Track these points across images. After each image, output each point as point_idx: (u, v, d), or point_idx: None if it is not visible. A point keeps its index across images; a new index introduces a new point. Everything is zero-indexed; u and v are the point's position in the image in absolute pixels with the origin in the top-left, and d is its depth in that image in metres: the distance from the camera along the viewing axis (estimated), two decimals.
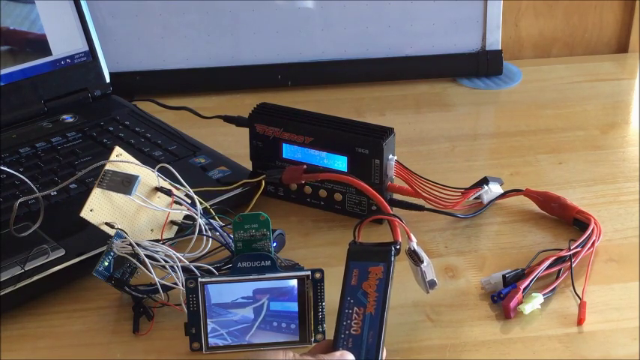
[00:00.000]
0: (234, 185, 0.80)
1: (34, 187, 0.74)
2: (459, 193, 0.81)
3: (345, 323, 0.58)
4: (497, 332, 0.68)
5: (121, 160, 0.72)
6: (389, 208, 0.70)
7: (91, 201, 0.71)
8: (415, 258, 0.67)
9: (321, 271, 0.64)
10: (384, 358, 0.56)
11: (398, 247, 0.62)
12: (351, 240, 0.63)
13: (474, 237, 0.79)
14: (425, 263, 0.67)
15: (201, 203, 0.74)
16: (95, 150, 0.88)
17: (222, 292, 0.64)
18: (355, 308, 0.58)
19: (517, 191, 0.83)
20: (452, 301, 0.72)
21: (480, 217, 0.81)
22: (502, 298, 0.70)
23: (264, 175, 0.80)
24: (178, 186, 0.74)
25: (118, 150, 0.73)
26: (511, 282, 0.71)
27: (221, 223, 0.73)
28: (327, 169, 0.80)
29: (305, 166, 0.79)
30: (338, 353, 0.55)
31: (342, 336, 0.58)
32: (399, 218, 0.66)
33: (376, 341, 0.56)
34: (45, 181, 0.82)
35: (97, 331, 0.69)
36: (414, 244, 0.67)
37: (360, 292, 0.59)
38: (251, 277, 0.64)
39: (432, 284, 0.67)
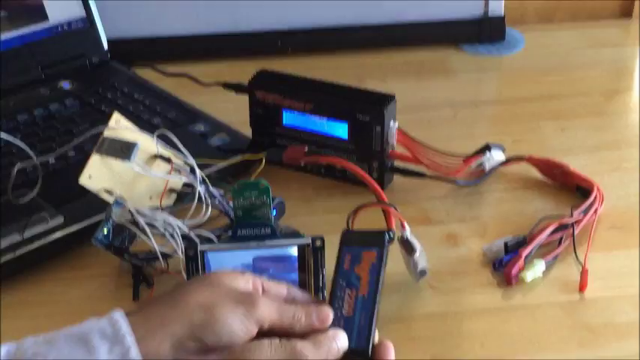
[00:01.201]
0: (234, 160, 0.80)
1: (32, 154, 0.73)
2: (461, 160, 0.80)
3: (336, 305, 0.57)
4: (498, 300, 0.68)
5: (119, 127, 0.72)
6: (384, 196, 0.69)
7: (90, 167, 0.70)
8: (408, 247, 0.66)
9: (322, 239, 0.64)
10: (376, 340, 0.55)
11: (392, 234, 0.61)
12: (344, 228, 0.63)
13: (475, 204, 0.79)
14: (417, 253, 0.66)
15: (201, 170, 0.73)
16: (93, 117, 0.87)
17: (222, 259, 0.64)
18: (347, 290, 0.58)
19: (519, 158, 0.82)
20: (453, 268, 0.71)
21: (481, 184, 0.81)
22: (503, 265, 0.70)
23: (264, 153, 0.79)
24: (177, 153, 0.73)
25: (116, 116, 0.72)
26: (513, 249, 0.71)
27: (221, 190, 0.73)
28: (328, 154, 0.80)
29: (306, 148, 0.79)
30: (331, 332, 0.55)
31: (334, 317, 0.57)
32: (394, 207, 0.65)
33: (368, 322, 0.55)
34: (43, 148, 0.82)
35: (97, 298, 0.69)
36: (408, 233, 0.66)
37: (353, 275, 0.59)
38: (251, 244, 0.64)
39: (422, 274, 0.67)
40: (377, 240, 0.61)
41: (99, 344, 0.49)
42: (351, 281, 0.59)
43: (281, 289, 0.57)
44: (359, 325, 0.56)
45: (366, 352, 0.55)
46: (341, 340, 0.54)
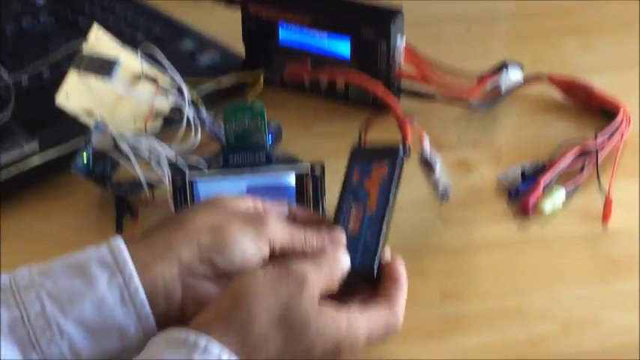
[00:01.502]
0: (227, 80, 0.79)
1: (3, 73, 0.72)
2: (475, 81, 0.79)
3: (342, 221, 0.57)
4: (514, 232, 0.68)
5: (100, 42, 0.71)
6: (400, 109, 0.67)
7: (67, 85, 0.69)
8: (426, 164, 0.65)
9: (322, 166, 0.63)
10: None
11: (407, 148, 0.60)
12: (354, 143, 0.62)
13: (489, 128, 0.78)
14: (437, 172, 0.65)
15: (189, 92, 0.72)
16: (69, 33, 0.85)
17: (213, 189, 0.63)
18: (354, 207, 0.57)
19: (539, 78, 0.81)
20: (465, 198, 0.71)
21: (497, 106, 0.80)
22: (520, 194, 0.70)
23: (262, 71, 0.78)
24: (164, 73, 0.72)
25: (96, 30, 0.71)
26: (530, 176, 0.70)
27: (211, 114, 0.72)
28: (333, 68, 0.78)
29: (309, 63, 0.78)
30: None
31: None
32: (411, 118, 0.64)
33: (375, 241, 0.54)
34: (15, 66, 0.79)
35: (78, 230, 0.69)
36: (427, 149, 0.65)
37: (362, 191, 0.58)
38: (244, 172, 0.63)
39: (444, 195, 0.66)
40: (390, 154, 0.59)
41: (98, 273, 0.49)
42: (358, 196, 0.58)
43: (282, 208, 0.58)
44: (365, 243, 0.55)
45: (370, 270, 0.54)
46: (343, 260, 0.53)
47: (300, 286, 0.49)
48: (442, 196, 0.66)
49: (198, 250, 0.51)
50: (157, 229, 0.53)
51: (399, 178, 0.59)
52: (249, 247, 0.52)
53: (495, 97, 0.80)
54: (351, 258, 0.54)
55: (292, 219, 0.57)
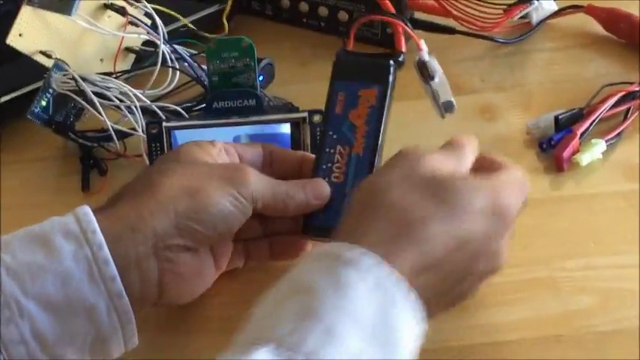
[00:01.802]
0: (209, 10, 0.79)
1: None
2: (501, 11, 0.78)
3: (324, 167, 0.56)
4: (546, 188, 0.68)
5: None
6: (391, 6, 0.66)
7: (20, 23, 0.69)
8: (424, 71, 0.63)
9: (321, 113, 0.62)
10: None
11: (401, 59, 0.58)
12: (339, 48, 0.60)
13: (518, 67, 0.78)
14: (437, 80, 0.63)
15: (165, 24, 0.72)
16: None
17: (194, 139, 0.62)
18: (339, 147, 0.56)
19: (576, 7, 0.80)
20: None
21: (527, 41, 0.80)
22: (553, 145, 0.70)
23: None
24: (134, 1, 0.72)
25: None
26: (565, 125, 0.70)
27: (191, 50, 0.72)
28: None
29: None
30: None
31: None
32: (404, 22, 0.63)
33: None
34: None
35: (38, 188, 0.69)
36: (424, 54, 0.63)
37: (347, 124, 0.57)
38: (231, 120, 0.63)
39: (448, 106, 0.63)
40: (380, 70, 0.57)
41: (62, 244, 0.49)
42: (342, 133, 0.57)
43: (257, 150, 0.59)
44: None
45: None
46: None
47: (418, 153, 0.51)
48: (445, 107, 0.63)
49: (174, 219, 0.51)
50: (126, 195, 0.52)
51: (389, 102, 0.57)
52: (230, 210, 0.52)
53: (525, 30, 0.80)
54: (335, 210, 0.55)
55: (269, 162, 0.58)
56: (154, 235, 0.51)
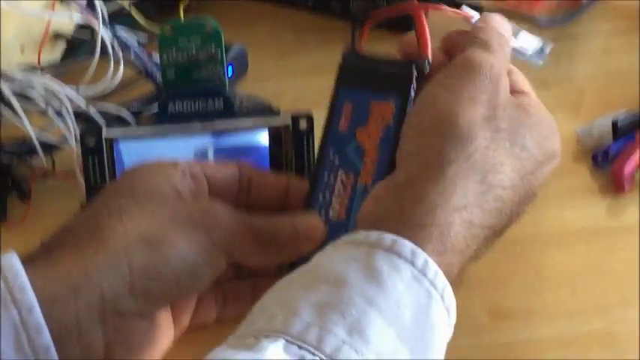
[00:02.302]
0: None
1: None
2: None
3: (321, 198, 0.56)
4: (602, 215, 0.68)
5: None
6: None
7: None
8: None
9: (309, 117, 0.63)
10: None
11: (426, 65, 0.58)
12: (347, 47, 0.60)
13: (565, 57, 0.78)
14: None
15: (105, 1, 0.72)
16: None
17: (143, 153, 0.63)
18: (341, 173, 0.56)
19: None
20: None
21: (576, 23, 0.81)
22: (611, 158, 0.70)
23: None
24: None
25: None
26: (626, 132, 0.71)
27: (140, 37, 0.73)
28: None
29: None
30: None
31: None
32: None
33: None
34: None
35: None
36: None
37: (353, 145, 0.57)
38: (191, 128, 0.63)
39: (539, 53, 0.64)
40: (398, 79, 0.57)
41: None
42: (347, 156, 0.56)
43: (231, 171, 0.58)
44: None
45: None
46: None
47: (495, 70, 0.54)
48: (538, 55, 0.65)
49: (128, 277, 0.51)
50: (66, 243, 0.52)
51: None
52: (198, 264, 0.52)
53: (573, 8, 0.81)
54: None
55: (246, 188, 0.58)
56: (102, 297, 0.50)
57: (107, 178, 0.63)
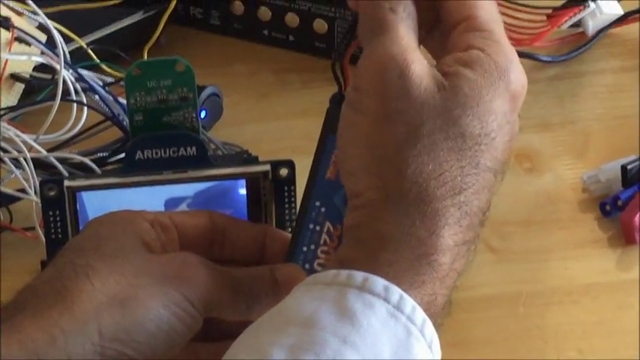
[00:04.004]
0: (130, 20, 0.80)
1: None
2: (544, 17, 0.80)
3: (305, 249, 0.57)
4: (612, 269, 0.68)
5: None
6: None
7: None
8: None
9: (290, 165, 0.63)
10: None
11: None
12: (335, 93, 0.60)
13: (569, 96, 0.79)
14: None
15: (67, 41, 0.73)
16: None
17: (109, 204, 0.62)
18: (328, 224, 0.56)
19: None
20: (529, 214, 0.72)
21: (580, 59, 0.81)
22: (620, 207, 0.70)
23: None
24: (23, 10, 0.73)
25: None
26: (637, 178, 0.71)
27: (105, 78, 0.73)
28: None
29: None
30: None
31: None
32: None
33: None
34: None
35: None
36: None
37: (341, 195, 0.57)
38: (162, 176, 0.63)
39: None
40: None
41: None
42: (334, 206, 0.57)
43: (201, 221, 0.58)
44: None
45: None
46: None
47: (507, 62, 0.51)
48: None
49: (98, 342, 0.51)
50: (29, 306, 0.52)
51: None
52: (173, 324, 0.52)
53: (578, 43, 0.81)
54: None
55: (220, 240, 0.58)
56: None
57: (70, 233, 0.63)
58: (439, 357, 0.48)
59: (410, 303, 0.47)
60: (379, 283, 0.47)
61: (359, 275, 0.47)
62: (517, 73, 0.50)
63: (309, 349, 0.45)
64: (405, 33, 0.50)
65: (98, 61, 0.76)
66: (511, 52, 0.51)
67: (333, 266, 0.49)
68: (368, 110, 0.49)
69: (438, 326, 0.48)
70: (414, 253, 0.48)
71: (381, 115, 0.49)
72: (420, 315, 0.47)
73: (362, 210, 0.50)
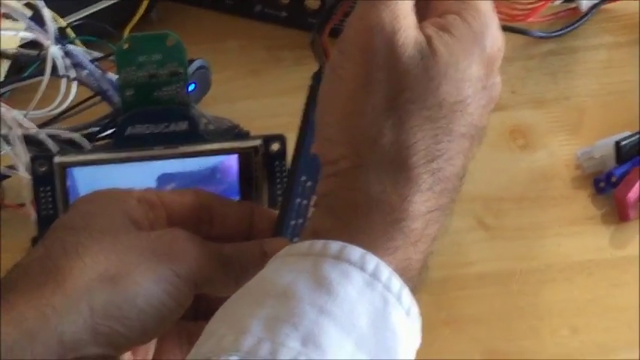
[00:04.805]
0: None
1: None
2: None
3: (293, 223, 0.57)
4: (605, 246, 0.69)
5: None
6: None
7: None
8: None
9: (281, 139, 0.64)
10: None
11: None
12: (317, 70, 0.60)
13: (562, 72, 0.79)
14: None
15: (54, 19, 0.72)
16: None
17: (101, 181, 0.63)
18: (314, 198, 0.57)
19: None
20: (524, 190, 0.72)
21: (574, 35, 0.81)
22: (614, 183, 0.70)
23: None
24: None
25: None
26: (631, 155, 0.71)
27: (94, 53, 0.72)
28: None
29: None
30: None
31: None
32: None
33: None
34: None
35: None
36: None
37: None
38: (153, 152, 0.63)
39: None
40: None
41: None
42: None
43: (187, 198, 0.58)
44: None
45: None
46: None
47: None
48: None
49: (90, 320, 0.51)
50: (21, 284, 0.52)
51: None
52: (164, 301, 0.52)
53: (572, 19, 0.81)
54: None
55: (208, 218, 0.58)
56: (61, 343, 0.50)
57: (61, 209, 0.64)
58: (418, 322, 0.48)
59: (386, 271, 0.47)
60: (356, 252, 0.47)
61: (335, 245, 0.48)
62: (493, 38, 0.50)
63: (286, 319, 0.45)
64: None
65: (75, 39, 0.76)
66: (489, 16, 0.51)
67: (307, 236, 0.50)
68: (349, 76, 0.49)
69: (414, 291, 0.48)
70: (386, 219, 0.48)
71: (361, 82, 0.49)
72: (397, 283, 0.47)
73: (334, 178, 0.50)
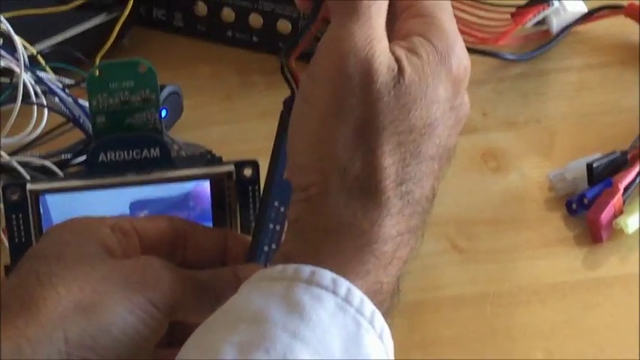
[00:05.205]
0: (91, 23, 0.80)
1: None
2: (508, 16, 0.80)
3: (266, 249, 0.57)
4: (578, 268, 0.69)
5: None
6: None
7: None
8: None
9: (254, 164, 0.63)
10: None
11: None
12: (288, 96, 0.60)
13: (534, 94, 0.79)
14: None
15: (25, 46, 0.72)
16: None
17: (74, 208, 0.63)
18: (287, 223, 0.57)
19: (613, 8, 0.82)
20: (496, 212, 0.72)
21: (545, 57, 0.81)
22: (587, 205, 0.70)
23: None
24: None
25: None
26: (603, 176, 0.71)
27: (66, 80, 0.73)
28: None
29: None
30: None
31: None
32: None
33: None
34: None
35: None
36: None
37: None
38: (126, 178, 0.63)
39: None
40: None
41: None
42: None
43: (162, 226, 0.58)
44: None
45: None
46: None
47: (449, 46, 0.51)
48: None
49: (64, 350, 0.50)
50: None
51: None
52: (138, 329, 0.52)
53: (543, 41, 0.81)
54: None
55: (182, 244, 0.58)
56: None
57: (33, 237, 0.63)
58: (391, 346, 0.48)
59: (358, 295, 0.47)
60: (327, 275, 0.47)
61: (306, 269, 0.48)
62: (459, 58, 0.50)
63: (259, 344, 0.45)
64: (375, 14, 0.49)
65: (46, 66, 0.76)
66: (454, 36, 0.50)
67: (279, 261, 0.50)
68: (320, 103, 0.49)
69: (387, 315, 0.48)
70: (356, 243, 0.49)
71: (333, 111, 0.49)
72: (369, 307, 0.47)
73: (305, 204, 0.50)
